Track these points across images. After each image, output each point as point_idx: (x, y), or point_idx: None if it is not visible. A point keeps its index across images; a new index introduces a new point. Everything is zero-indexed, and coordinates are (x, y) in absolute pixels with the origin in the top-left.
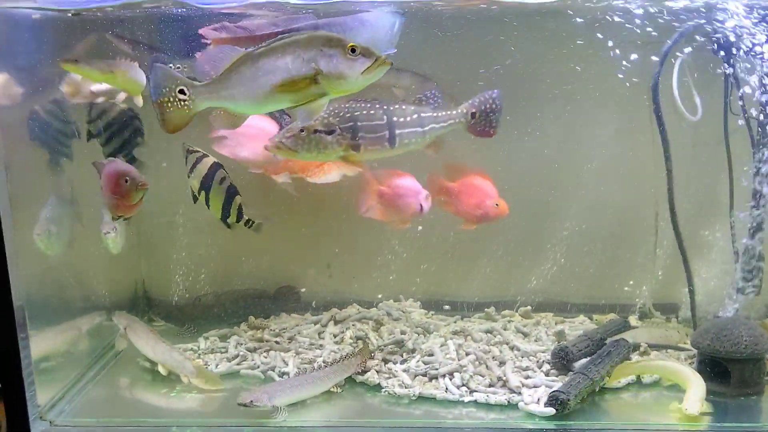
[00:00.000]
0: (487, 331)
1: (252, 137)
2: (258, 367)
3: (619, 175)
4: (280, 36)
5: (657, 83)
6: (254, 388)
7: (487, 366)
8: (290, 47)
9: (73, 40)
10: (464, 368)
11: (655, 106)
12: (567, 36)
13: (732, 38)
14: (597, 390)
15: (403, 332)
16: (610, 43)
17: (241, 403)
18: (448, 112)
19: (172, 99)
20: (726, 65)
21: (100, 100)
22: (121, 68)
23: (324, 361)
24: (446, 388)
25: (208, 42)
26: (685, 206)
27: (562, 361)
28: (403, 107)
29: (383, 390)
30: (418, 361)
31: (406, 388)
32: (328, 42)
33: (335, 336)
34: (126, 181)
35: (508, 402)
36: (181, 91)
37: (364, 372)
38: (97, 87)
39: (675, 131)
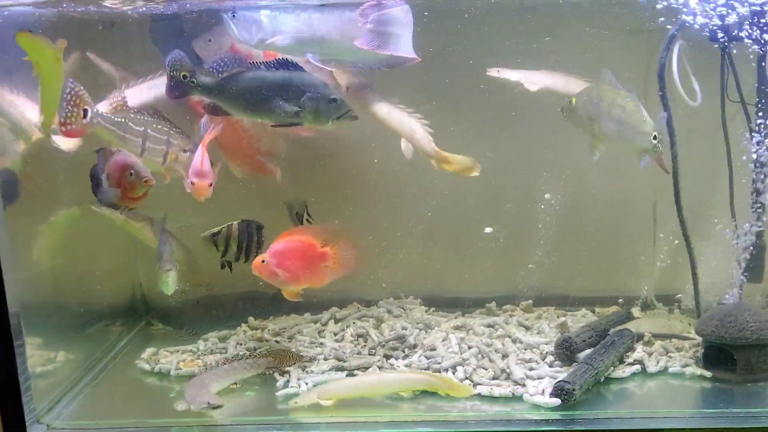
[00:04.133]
0: (489, 326)
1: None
2: None
3: (618, 166)
4: None
5: (663, 69)
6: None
7: (489, 359)
8: None
9: None
10: (467, 361)
11: (662, 93)
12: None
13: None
14: (602, 380)
15: (404, 328)
16: (607, 31)
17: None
18: None
19: None
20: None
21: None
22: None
23: (226, 359)
24: None
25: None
26: (685, 195)
27: (566, 351)
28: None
29: None
30: (420, 355)
31: None
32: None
33: (335, 334)
34: (131, 174)
35: (513, 394)
36: None
37: (282, 374)
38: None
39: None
